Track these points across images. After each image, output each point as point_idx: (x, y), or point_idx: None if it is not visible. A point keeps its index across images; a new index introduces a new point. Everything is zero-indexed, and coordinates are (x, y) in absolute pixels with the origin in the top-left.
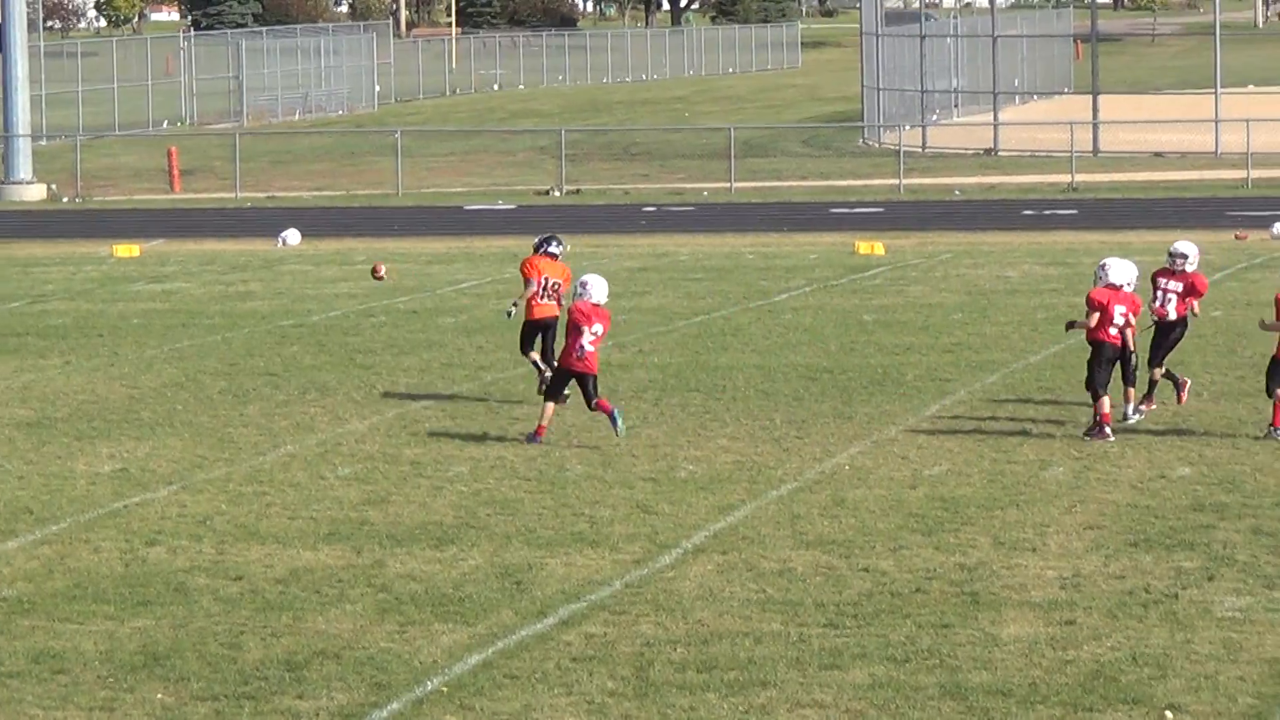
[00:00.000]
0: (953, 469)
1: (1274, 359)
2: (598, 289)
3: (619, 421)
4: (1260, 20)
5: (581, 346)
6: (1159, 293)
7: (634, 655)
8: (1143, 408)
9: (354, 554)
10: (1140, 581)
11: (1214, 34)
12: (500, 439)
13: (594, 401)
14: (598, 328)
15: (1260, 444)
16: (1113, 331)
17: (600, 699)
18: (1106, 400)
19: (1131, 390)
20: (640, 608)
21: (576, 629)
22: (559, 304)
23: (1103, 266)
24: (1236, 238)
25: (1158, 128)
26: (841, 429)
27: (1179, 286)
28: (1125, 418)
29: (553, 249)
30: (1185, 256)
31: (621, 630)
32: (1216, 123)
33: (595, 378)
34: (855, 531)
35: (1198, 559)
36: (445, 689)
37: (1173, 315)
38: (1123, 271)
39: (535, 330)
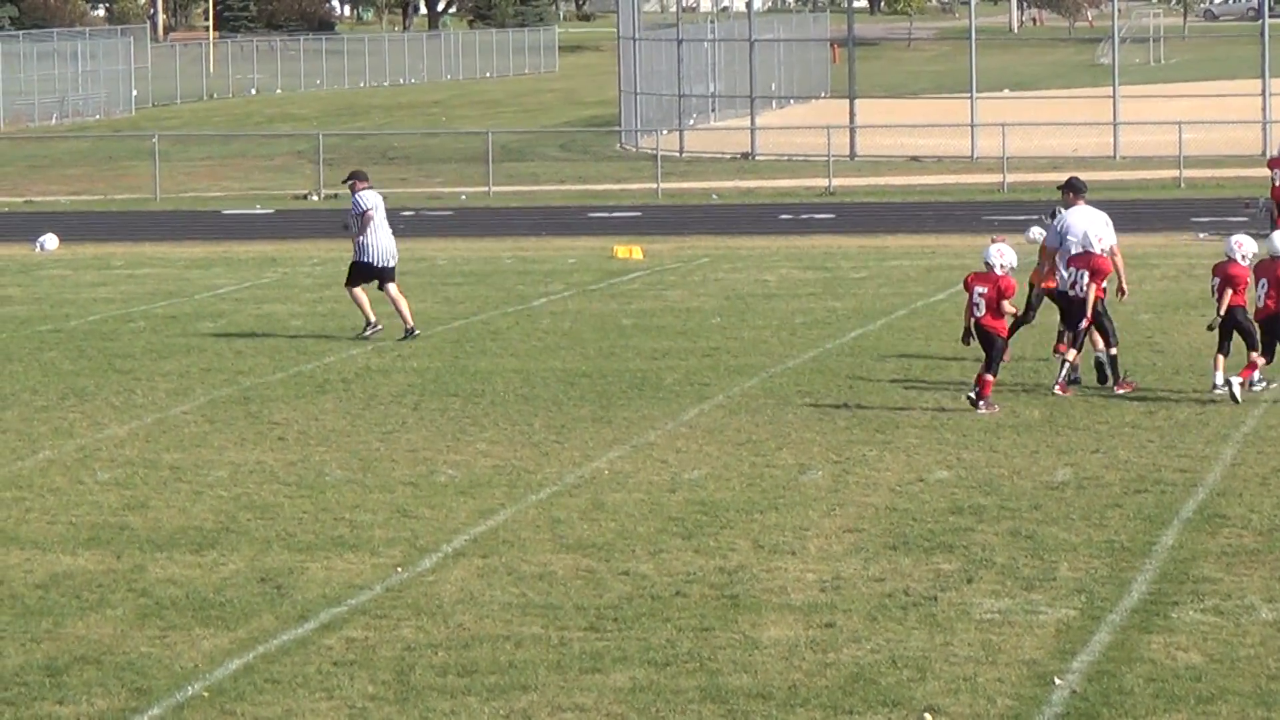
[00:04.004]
0: (712, 473)
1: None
2: None
3: None
4: (1015, 25)
5: None
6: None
7: (395, 659)
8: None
9: (114, 559)
10: (899, 584)
11: (970, 38)
12: (259, 443)
13: None
14: None
15: (1017, 447)
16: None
17: (361, 703)
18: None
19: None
20: (401, 612)
21: (337, 633)
22: None
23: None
24: (993, 241)
25: (914, 132)
26: (600, 433)
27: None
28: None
29: None
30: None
31: (382, 634)
32: (973, 127)
33: None
34: (615, 535)
35: (956, 561)
36: (206, 694)
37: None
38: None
39: None
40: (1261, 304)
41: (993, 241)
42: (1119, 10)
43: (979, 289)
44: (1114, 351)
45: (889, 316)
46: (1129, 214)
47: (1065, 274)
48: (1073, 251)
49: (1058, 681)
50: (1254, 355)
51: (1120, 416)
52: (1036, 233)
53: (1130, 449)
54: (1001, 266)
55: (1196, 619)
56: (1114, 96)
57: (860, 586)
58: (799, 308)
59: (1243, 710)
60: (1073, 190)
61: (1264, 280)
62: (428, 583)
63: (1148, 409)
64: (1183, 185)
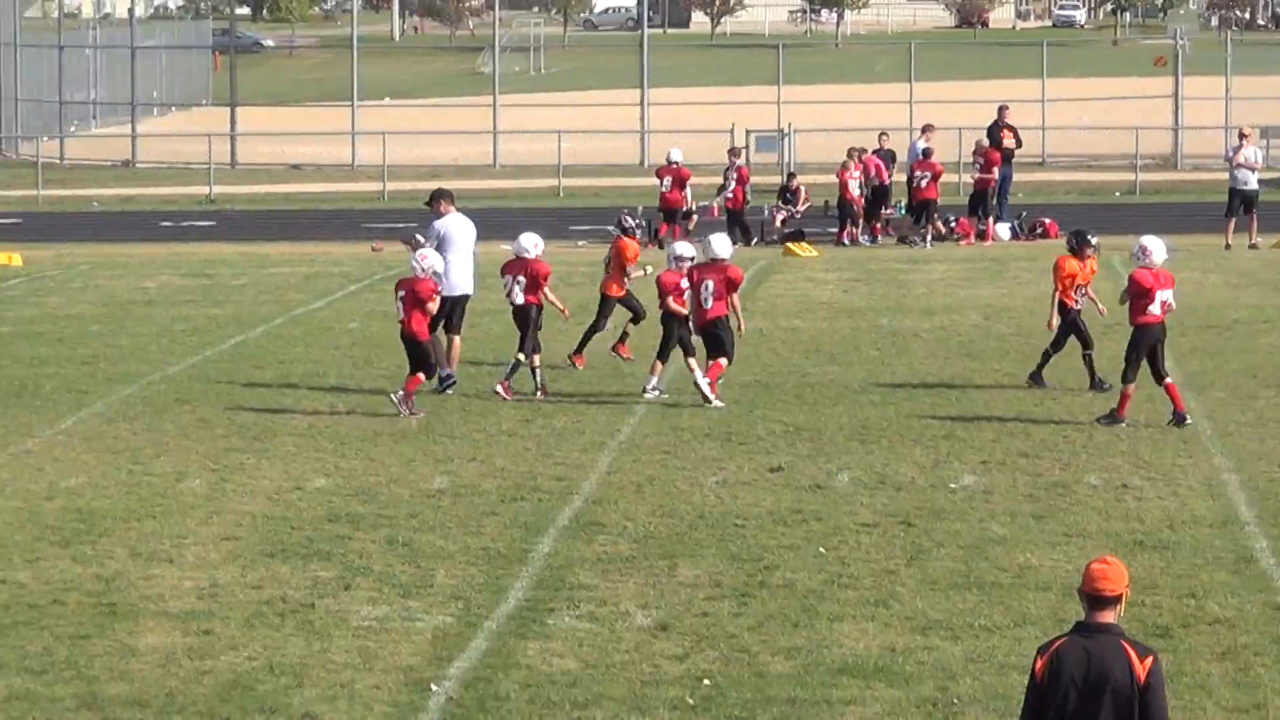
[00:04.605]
0: (89, 481)
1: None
2: None
3: None
4: (397, 33)
5: None
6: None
7: None
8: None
9: None
10: (277, 591)
11: (351, 46)
12: None
13: None
14: None
15: (394, 455)
16: (1155, 311)
17: None
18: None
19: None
20: None
21: None
22: None
23: (1142, 249)
24: (374, 249)
25: (296, 140)
26: None
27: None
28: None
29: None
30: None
31: None
32: (354, 135)
33: None
34: None
35: (334, 569)
36: None
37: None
38: (1162, 250)
39: None
40: (709, 306)
41: (374, 250)
42: (500, 19)
43: (400, 293)
44: (536, 361)
45: (269, 324)
46: (509, 222)
47: (502, 281)
48: (448, 257)
49: (435, 688)
50: (690, 360)
51: (497, 424)
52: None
53: (507, 457)
54: (423, 270)
55: (572, 625)
56: (494, 105)
57: (238, 594)
58: (179, 315)
59: (617, 715)
60: (444, 199)
61: (709, 282)
62: None
63: (524, 417)
64: (562, 194)
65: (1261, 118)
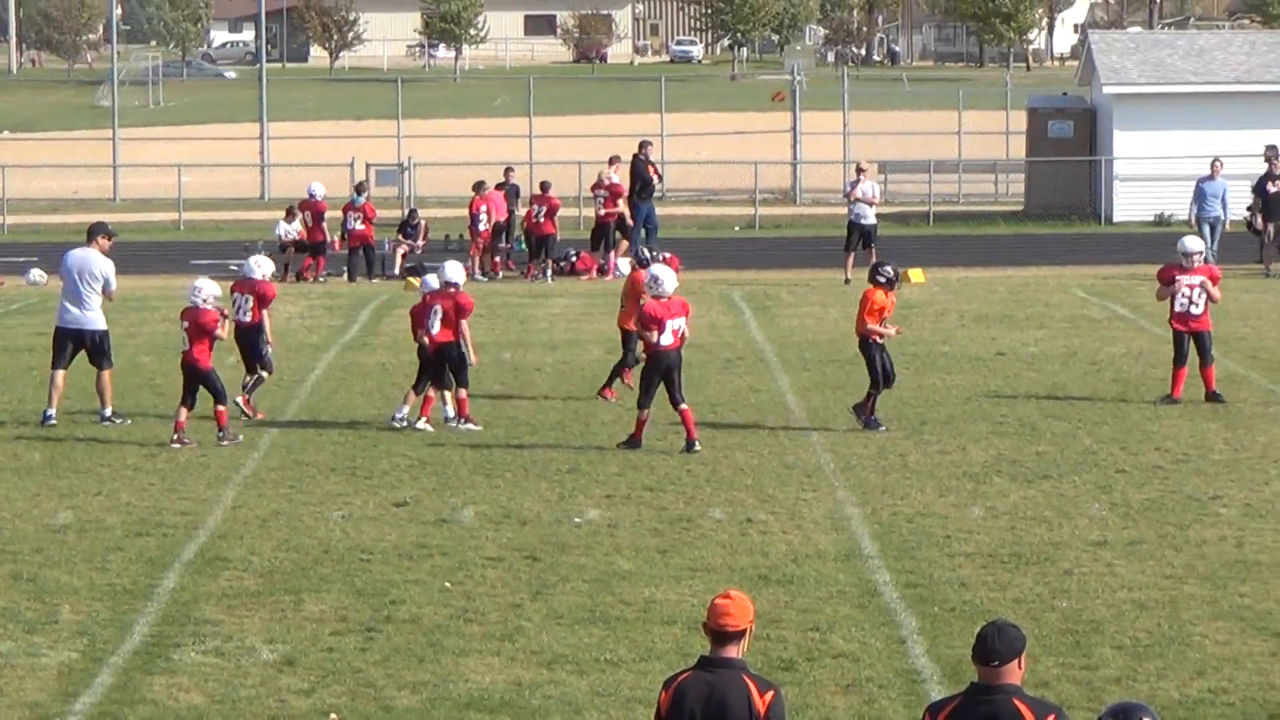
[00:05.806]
0: None
1: None
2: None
3: None
4: (14, 66)
5: None
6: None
7: None
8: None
9: None
10: None
11: None
12: None
13: None
14: None
15: (19, 490)
16: (667, 340)
17: None
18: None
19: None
20: None
21: None
22: None
23: (655, 279)
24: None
25: None
26: None
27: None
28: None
29: None
30: None
31: None
32: None
33: None
34: None
35: None
36: None
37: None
38: (673, 281)
39: None
40: (436, 331)
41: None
42: (118, 52)
43: (185, 323)
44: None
45: None
46: (132, 256)
47: (231, 299)
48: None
49: None
50: (432, 391)
51: (122, 459)
52: (37, 275)
53: (132, 492)
54: (203, 301)
55: (198, 660)
56: (114, 139)
57: None
58: None
59: None
60: (89, 233)
61: (437, 307)
62: None
63: (149, 452)
64: (182, 228)
65: (878, 152)
